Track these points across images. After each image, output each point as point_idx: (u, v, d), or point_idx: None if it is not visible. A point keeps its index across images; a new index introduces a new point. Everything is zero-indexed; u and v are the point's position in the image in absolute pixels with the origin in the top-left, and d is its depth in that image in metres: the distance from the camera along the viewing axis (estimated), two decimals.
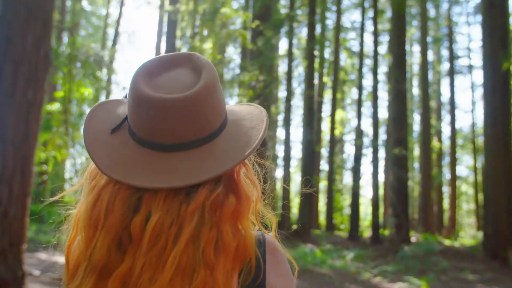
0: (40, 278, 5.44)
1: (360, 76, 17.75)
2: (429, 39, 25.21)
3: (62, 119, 6.61)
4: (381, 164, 21.44)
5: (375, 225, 14.86)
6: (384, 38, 25.83)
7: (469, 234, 27.63)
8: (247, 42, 11.12)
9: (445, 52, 31.52)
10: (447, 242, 17.45)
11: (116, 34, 26.31)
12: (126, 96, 0.93)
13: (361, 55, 17.72)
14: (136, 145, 0.83)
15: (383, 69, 27.35)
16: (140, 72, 0.85)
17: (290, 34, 16.47)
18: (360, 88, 17.89)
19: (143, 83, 0.82)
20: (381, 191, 21.53)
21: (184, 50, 25.10)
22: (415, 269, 8.67)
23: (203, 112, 0.80)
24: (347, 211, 30.73)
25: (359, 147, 16.42)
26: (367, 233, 21.78)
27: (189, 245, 0.73)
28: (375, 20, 16.20)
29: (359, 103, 17.72)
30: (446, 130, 33.08)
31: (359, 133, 16.68)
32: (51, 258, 7.46)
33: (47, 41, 4.51)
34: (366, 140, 20.06)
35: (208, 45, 19.46)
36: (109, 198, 0.79)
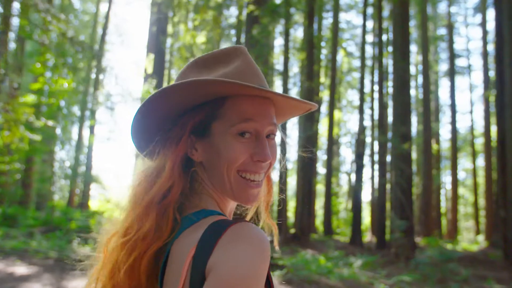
0: None
1: (363, 67, 16.78)
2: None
3: None
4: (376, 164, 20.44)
5: (380, 228, 13.76)
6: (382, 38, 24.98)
7: (467, 238, 26.81)
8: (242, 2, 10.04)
9: (443, 54, 30.79)
10: (449, 246, 16.52)
11: (105, 29, 25.16)
12: None
13: (363, 43, 16.76)
14: None
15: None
16: None
17: (287, 21, 15.49)
18: (362, 81, 16.92)
19: None
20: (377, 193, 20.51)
21: (176, 45, 23.99)
22: (433, 278, 7.61)
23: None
24: (342, 214, 29.84)
25: (361, 143, 15.37)
26: (365, 237, 20.77)
27: None
28: (379, 8, 15.28)
29: (361, 97, 16.72)
30: (443, 132, 32.38)
31: (362, 128, 15.63)
32: (7, 268, 6.26)
33: None
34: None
35: (201, 39, 18.39)
36: None
